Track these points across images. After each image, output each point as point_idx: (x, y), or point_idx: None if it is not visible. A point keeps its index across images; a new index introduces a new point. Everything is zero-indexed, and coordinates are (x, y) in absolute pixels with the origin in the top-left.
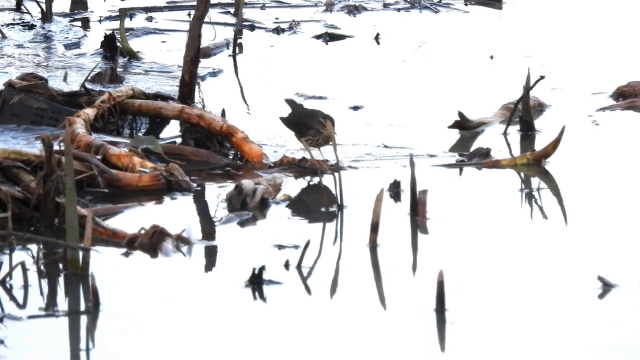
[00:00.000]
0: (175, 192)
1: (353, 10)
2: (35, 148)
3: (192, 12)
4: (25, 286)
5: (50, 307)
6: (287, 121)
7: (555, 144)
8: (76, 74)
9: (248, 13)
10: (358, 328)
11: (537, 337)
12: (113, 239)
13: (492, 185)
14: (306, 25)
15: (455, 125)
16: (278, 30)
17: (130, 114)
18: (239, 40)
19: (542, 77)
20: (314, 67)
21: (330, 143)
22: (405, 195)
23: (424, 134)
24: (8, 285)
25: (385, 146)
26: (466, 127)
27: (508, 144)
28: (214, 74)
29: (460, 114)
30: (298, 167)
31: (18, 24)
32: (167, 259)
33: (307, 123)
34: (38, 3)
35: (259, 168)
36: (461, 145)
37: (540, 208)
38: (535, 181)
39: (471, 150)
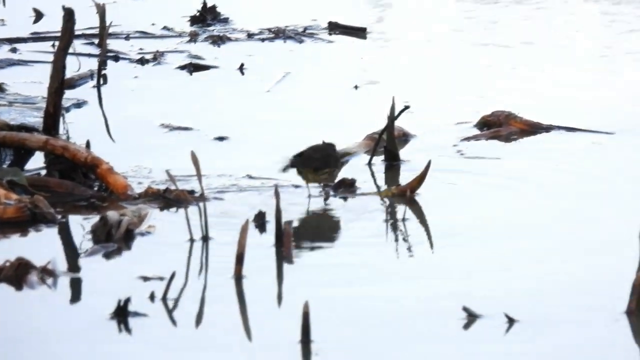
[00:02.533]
0: (40, 224)
1: (217, 40)
2: None
3: (57, 43)
4: None
5: None
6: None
7: (420, 179)
8: None
9: (112, 44)
10: None
11: None
12: None
13: (358, 215)
14: (170, 55)
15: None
16: (142, 61)
17: None
18: (103, 71)
19: (406, 107)
20: (179, 97)
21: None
22: (271, 226)
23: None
24: None
25: (250, 177)
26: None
27: (373, 175)
28: (78, 105)
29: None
30: (163, 199)
31: None
32: (32, 291)
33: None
34: None
35: (124, 199)
36: (328, 175)
37: (406, 237)
38: (400, 210)
39: (336, 181)
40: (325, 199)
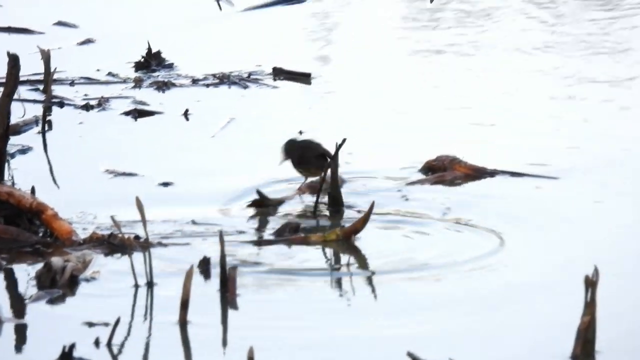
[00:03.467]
0: None
1: (162, 86)
2: None
3: (1, 89)
4: None
5: None
6: (287, 152)
7: (364, 220)
8: None
9: (57, 90)
10: None
11: None
12: None
13: (302, 260)
14: (115, 101)
15: (254, 204)
16: (87, 107)
17: None
18: (48, 118)
19: (343, 142)
20: (124, 143)
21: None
22: (215, 272)
23: (232, 210)
24: None
25: (195, 223)
26: (266, 205)
27: (317, 220)
28: (23, 151)
29: (259, 193)
30: (107, 244)
31: None
32: None
33: (306, 155)
34: None
35: (69, 245)
36: (269, 221)
37: (350, 283)
38: (345, 257)
39: (280, 225)
40: (267, 244)
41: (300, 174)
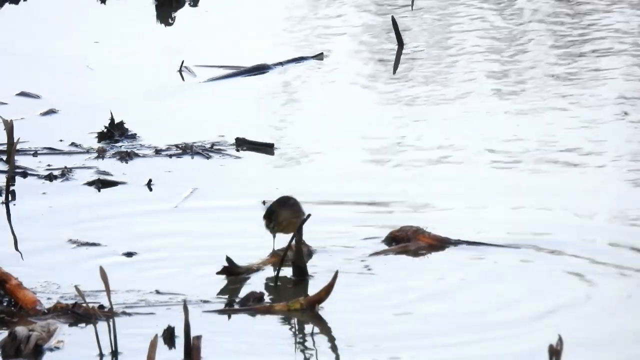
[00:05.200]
0: None
1: (125, 156)
2: None
3: None
4: None
5: None
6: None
7: (328, 289)
8: None
9: (20, 160)
10: None
11: None
12: None
13: (266, 330)
14: (79, 171)
15: (224, 271)
16: (50, 177)
17: None
18: (11, 188)
19: (308, 217)
20: (87, 213)
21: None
22: (180, 341)
23: (195, 279)
24: None
25: (158, 292)
26: (235, 273)
27: (280, 290)
28: None
29: (229, 260)
30: (72, 313)
31: None
32: None
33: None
34: None
35: (33, 314)
36: (232, 290)
37: (314, 354)
38: (308, 327)
39: (244, 294)
40: (231, 313)
41: (271, 230)
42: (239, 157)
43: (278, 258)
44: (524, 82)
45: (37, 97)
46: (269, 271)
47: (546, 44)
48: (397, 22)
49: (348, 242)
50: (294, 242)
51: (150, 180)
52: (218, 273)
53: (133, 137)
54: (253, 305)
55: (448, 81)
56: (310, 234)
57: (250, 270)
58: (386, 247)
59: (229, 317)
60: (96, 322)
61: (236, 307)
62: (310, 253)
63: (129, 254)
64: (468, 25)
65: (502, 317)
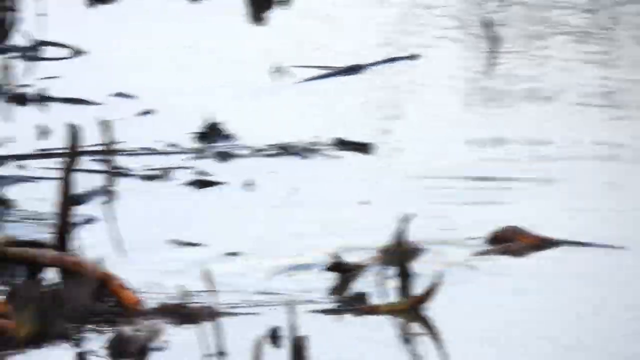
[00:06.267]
0: (55, 340)
1: (223, 156)
2: None
3: (65, 159)
4: None
5: None
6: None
7: (432, 290)
8: None
9: (120, 160)
10: None
11: None
12: None
13: (371, 330)
14: (178, 172)
15: (332, 268)
16: (149, 178)
17: (6, 262)
18: (110, 188)
19: (409, 217)
20: (187, 213)
21: None
22: (285, 342)
23: (301, 279)
24: None
25: (264, 293)
26: (343, 271)
27: (385, 289)
28: (88, 221)
29: (335, 258)
30: (176, 314)
31: None
32: None
33: None
34: None
35: (138, 315)
36: (338, 290)
37: (421, 356)
38: (413, 327)
39: (349, 295)
40: (336, 314)
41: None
42: (337, 157)
43: (384, 256)
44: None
45: (133, 97)
46: (375, 270)
47: None
48: (491, 18)
49: (452, 241)
50: (399, 240)
51: (248, 180)
52: (326, 270)
53: (230, 137)
54: (358, 305)
55: (544, 76)
56: (415, 233)
57: (357, 268)
58: (489, 247)
59: (335, 317)
60: (201, 322)
61: (342, 307)
62: (416, 252)
63: (232, 254)
64: (565, 18)
65: (613, 321)
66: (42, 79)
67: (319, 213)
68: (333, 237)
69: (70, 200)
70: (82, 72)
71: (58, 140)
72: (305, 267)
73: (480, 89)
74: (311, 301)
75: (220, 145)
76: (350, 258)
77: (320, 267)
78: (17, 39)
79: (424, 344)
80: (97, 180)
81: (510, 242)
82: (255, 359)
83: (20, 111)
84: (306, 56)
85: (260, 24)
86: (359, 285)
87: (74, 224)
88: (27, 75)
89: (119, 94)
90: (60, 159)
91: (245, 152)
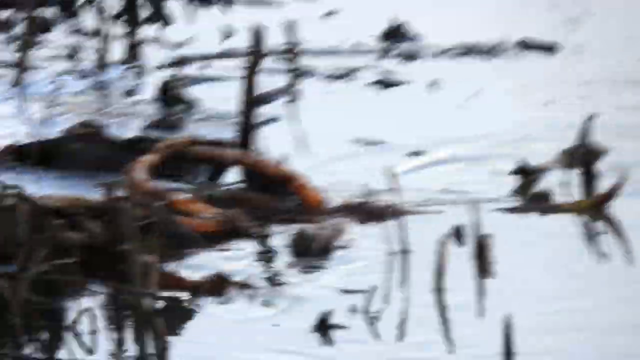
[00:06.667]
0: (239, 237)
1: (407, 57)
2: (96, 195)
3: (249, 59)
4: (94, 332)
5: (118, 353)
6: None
7: (616, 189)
8: (134, 121)
9: (304, 60)
10: None
11: None
12: (178, 285)
13: (554, 229)
14: (362, 71)
15: (516, 170)
16: (334, 77)
17: (191, 161)
18: (294, 88)
19: (592, 117)
20: (371, 113)
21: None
22: (469, 240)
23: (485, 178)
24: (76, 331)
25: (447, 191)
26: (526, 173)
27: (569, 189)
28: (271, 120)
29: (520, 160)
30: (361, 212)
31: (74, 72)
32: (232, 305)
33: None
34: (94, 51)
35: (321, 213)
36: (522, 189)
37: (606, 253)
38: (598, 226)
39: (532, 194)
40: (520, 212)
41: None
42: (521, 58)
43: (568, 157)
44: None
45: None
46: (559, 171)
47: None
48: None
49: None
50: (583, 141)
51: (432, 81)
52: (511, 173)
53: (415, 37)
54: (542, 203)
55: None
56: (598, 133)
57: (541, 169)
58: None
59: (518, 215)
60: (385, 220)
61: (525, 205)
62: (599, 152)
63: (415, 153)
64: None
65: None
66: None
67: (503, 113)
68: (517, 137)
69: (254, 100)
70: None
71: (242, 41)
72: (491, 166)
73: None
74: (495, 199)
75: (405, 46)
76: (534, 159)
77: (503, 165)
78: None
79: (608, 242)
80: (281, 81)
81: None
82: (439, 257)
83: (204, 12)
84: None
85: None
86: (543, 185)
87: (258, 124)
88: None
89: None
90: (244, 60)
91: (429, 52)
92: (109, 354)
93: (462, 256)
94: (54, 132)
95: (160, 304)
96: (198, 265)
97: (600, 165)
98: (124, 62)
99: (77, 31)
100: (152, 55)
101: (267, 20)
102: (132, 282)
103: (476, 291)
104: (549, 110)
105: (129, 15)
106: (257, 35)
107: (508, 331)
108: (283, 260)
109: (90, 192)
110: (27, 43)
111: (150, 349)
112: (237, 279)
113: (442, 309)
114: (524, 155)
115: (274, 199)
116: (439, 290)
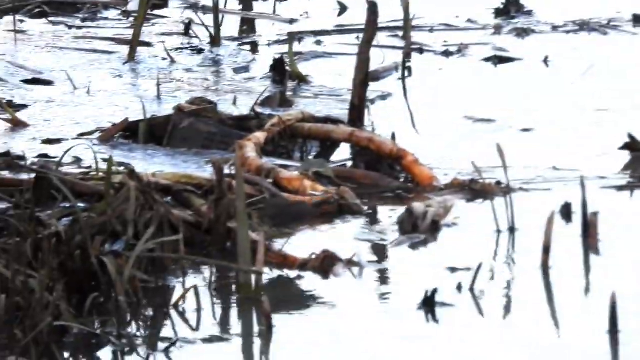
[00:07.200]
0: (346, 215)
1: (521, 33)
2: (205, 172)
3: (361, 35)
4: (199, 310)
5: (223, 331)
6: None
7: None
8: (245, 98)
9: (416, 36)
10: (530, 349)
11: None
12: (284, 263)
13: None
14: (474, 48)
15: (626, 147)
16: (447, 53)
17: (301, 138)
18: (407, 64)
19: None
20: (483, 90)
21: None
22: (576, 217)
23: (593, 156)
24: (181, 309)
25: (555, 168)
26: (637, 149)
27: None
28: (383, 97)
29: (630, 136)
30: (469, 190)
31: (187, 48)
32: (338, 284)
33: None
34: (207, 27)
35: (430, 191)
36: (632, 167)
37: None
38: None
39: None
40: (631, 190)
41: None
42: (635, 34)
43: None
44: None
45: None
46: None
47: None
48: None
49: None
50: None
51: (546, 57)
52: (620, 148)
53: (529, 13)
54: None
55: None
56: None
57: None
58: None
59: (627, 193)
60: (493, 198)
61: (634, 183)
62: None
63: (526, 130)
64: None
65: None
66: None
67: (616, 89)
68: (629, 114)
69: (366, 76)
70: None
71: (356, 17)
72: (600, 143)
73: None
74: (603, 177)
75: (519, 22)
76: None
77: (614, 142)
78: None
79: None
80: (394, 57)
81: None
82: (547, 234)
83: None
84: None
85: None
86: None
87: (370, 100)
88: None
89: None
90: (357, 35)
91: (543, 28)
92: (213, 331)
93: (569, 234)
94: (165, 108)
95: (266, 282)
96: (305, 243)
97: None
98: (237, 38)
99: (191, 7)
100: (265, 31)
101: None
102: (239, 259)
103: (583, 269)
104: None
105: None
106: (372, 11)
107: (614, 309)
108: (390, 237)
109: (200, 170)
110: (140, 19)
111: (256, 327)
112: (344, 256)
113: (548, 286)
114: (635, 132)
115: (382, 176)
116: (545, 268)
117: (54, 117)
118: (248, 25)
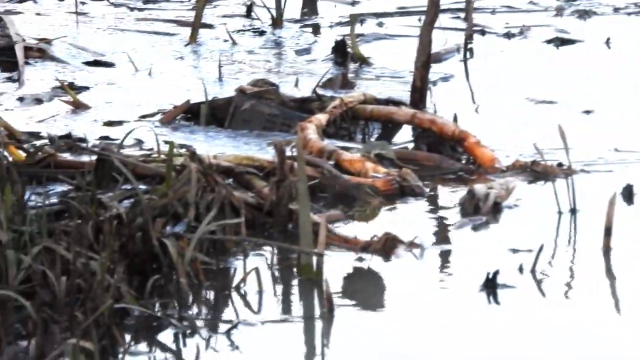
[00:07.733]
0: (408, 197)
1: (583, 14)
2: (267, 154)
3: (423, 17)
4: (260, 292)
5: (284, 313)
6: (333, 195)
7: None
8: (307, 80)
9: (478, 18)
10: (592, 332)
11: None
12: (346, 245)
13: None
14: (536, 29)
15: None
16: (508, 35)
17: (362, 120)
18: (469, 45)
19: None
20: (544, 71)
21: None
22: (638, 199)
23: None
24: (242, 291)
25: (617, 150)
26: None
27: None
28: (445, 79)
29: None
30: (530, 172)
31: (248, 30)
32: (399, 266)
33: (353, 194)
34: (268, 9)
35: (492, 173)
36: None
37: None
38: None
39: None
40: None
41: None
42: None
43: None
44: None
45: None
46: None
47: None
48: None
49: None
50: None
51: (608, 39)
52: None
53: None
54: None
55: None
56: None
57: None
58: None
59: None
60: (555, 180)
61: None
62: None
63: (587, 112)
64: None
65: None
66: None
67: None
68: None
69: (428, 58)
70: None
71: None
72: None
73: None
74: None
75: (581, 3)
76: None
77: None
78: None
79: None
80: (456, 38)
81: None
82: (609, 216)
83: None
84: None
85: None
86: None
87: (432, 82)
88: None
89: None
90: (419, 17)
91: (605, 10)
92: (274, 314)
93: (631, 215)
94: (227, 90)
95: (328, 264)
96: (367, 225)
97: None
98: (299, 20)
99: None
100: (327, 12)
101: None
102: (301, 241)
103: None
104: None
105: None
106: None
107: None
108: (452, 219)
109: (261, 151)
110: (202, 1)
111: (317, 309)
112: (406, 238)
113: (609, 269)
114: None
115: (444, 158)
116: (606, 250)
117: (115, 99)
118: (310, 7)
